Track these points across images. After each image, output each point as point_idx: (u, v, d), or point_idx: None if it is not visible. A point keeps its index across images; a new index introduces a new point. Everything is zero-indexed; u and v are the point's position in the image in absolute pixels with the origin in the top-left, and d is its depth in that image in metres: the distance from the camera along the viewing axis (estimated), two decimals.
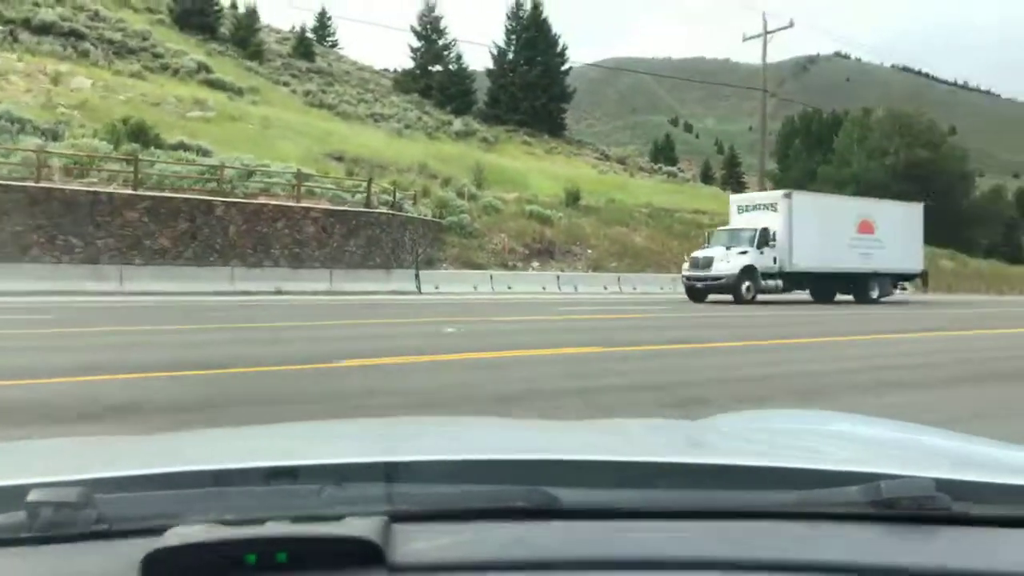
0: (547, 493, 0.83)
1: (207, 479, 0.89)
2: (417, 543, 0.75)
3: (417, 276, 22.79)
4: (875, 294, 23.87)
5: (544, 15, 51.54)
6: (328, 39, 67.65)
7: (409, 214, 25.51)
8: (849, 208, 24.53)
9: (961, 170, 65.77)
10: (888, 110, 67.87)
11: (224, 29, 49.98)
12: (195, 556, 0.69)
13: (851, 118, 72.11)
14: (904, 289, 25.06)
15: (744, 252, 21.20)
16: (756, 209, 23.10)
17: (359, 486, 0.85)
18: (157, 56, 38.97)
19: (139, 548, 0.70)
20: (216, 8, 50.03)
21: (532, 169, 39.86)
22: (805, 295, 23.88)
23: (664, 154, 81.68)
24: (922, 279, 26.41)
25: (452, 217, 27.52)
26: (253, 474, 0.92)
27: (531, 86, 49.47)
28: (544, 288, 24.52)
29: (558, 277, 25.77)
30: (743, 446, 1.34)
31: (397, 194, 25.93)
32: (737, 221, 23.45)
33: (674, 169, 58.96)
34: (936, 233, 56.06)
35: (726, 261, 21.04)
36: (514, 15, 52.40)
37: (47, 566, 0.74)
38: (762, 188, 36.64)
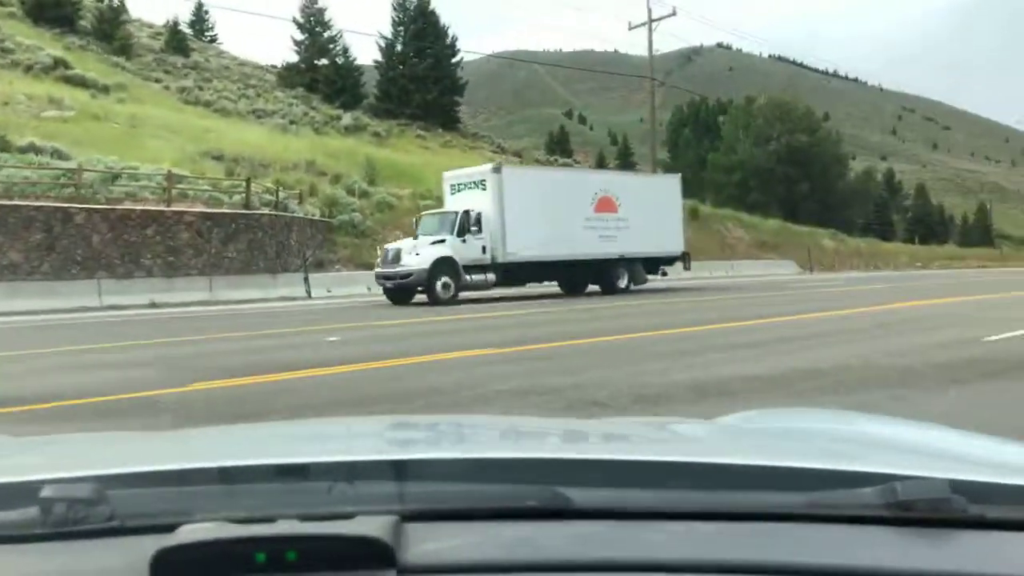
0: (559, 493, 0.82)
1: (218, 476, 0.90)
2: (428, 543, 0.75)
3: (306, 280, 21.59)
4: (624, 282, 20.67)
5: (431, 6, 50.53)
6: (206, 34, 64.16)
7: (295, 214, 24.21)
8: (581, 183, 21.10)
9: (836, 153, 69.44)
10: (769, 98, 70.81)
11: (85, 22, 46.37)
12: (205, 554, 0.70)
13: (735, 106, 74.86)
14: (664, 274, 22.61)
15: (440, 241, 17.67)
16: (467, 188, 19.31)
17: (370, 484, 0.85)
18: (6, 51, 35.60)
19: (150, 545, 0.70)
20: None
21: (427, 163, 38.91)
22: (555, 287, 20.91)
23: (560, 146, 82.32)
24: (684, 261, 23.29)
25: (342, 216, 26.34)
26: (263, 471, 0.93)
27: (422, 79, 48.43)
28: None
29: None
30: (756, 445, 1.32)
31: (281, 193, 24.54)
32: (449, 204, 19.70)
33: (570, 161, 59.32)
34: (818, 214, 59.39)
35: (415, 253, 17.39)
36: (400, 6, 51.10)
37: (60, 562, 0.75)
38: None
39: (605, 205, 20.49)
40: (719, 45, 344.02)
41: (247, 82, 50.60)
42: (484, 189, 18.58)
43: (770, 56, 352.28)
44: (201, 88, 44.30)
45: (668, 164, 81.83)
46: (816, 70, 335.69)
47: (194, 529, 0.73)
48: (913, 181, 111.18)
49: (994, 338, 8.11)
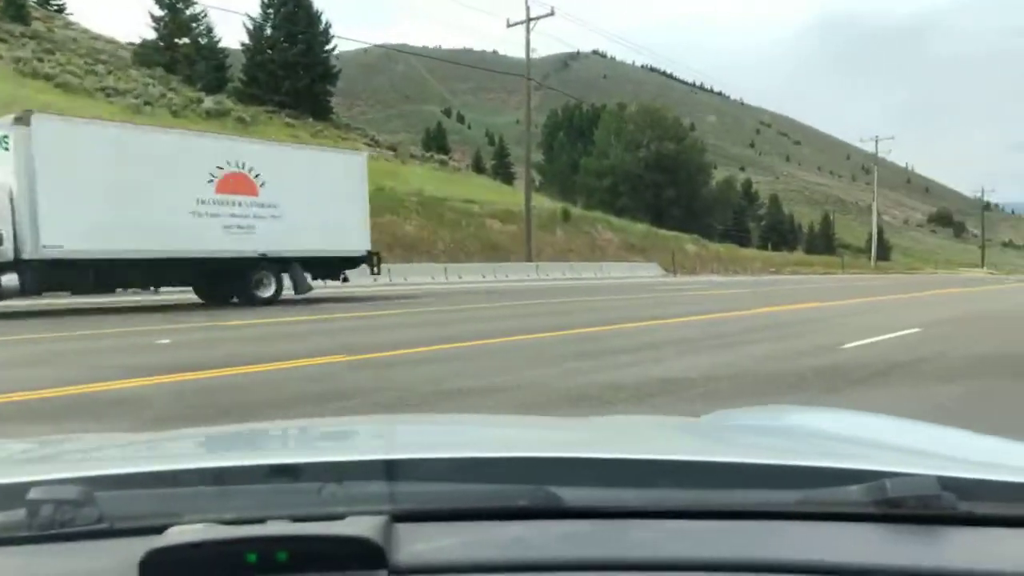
0: (550, 492, 0.83)
1: (208, 477, 0.90)
2: (418, 543, 0.75)
3: None
4: (270, 291, 15.80)
5: None
6: (53, 2, 58.55)
7: None
8: (190, 152, 15.01)
9: (700, 162, 72.96)
10: (641, 105, 73.35)
11: None
12: (195, 555, 0.70)
13: (608, 112, 76.94)
14: (346, 280, 18.10)
15: None
16: None
17: (360, 484, 0.85)
18: None
19: (139, 547, 0.70)
20: None
21: None
22: (188, 295, 16.39)
23: (436, 143, 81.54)
24: (370, 263, 18.35)
25: None
26: (254, 472, 0.93)
27: (292, 65, 46.23)
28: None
29: None
30: (745, 443, 1.32)
31: None
32: None
33: (446, 158, 58.73)
34: (683, 219, 62.12)
35: None
36: None
37: (47, 565, 0.75)
38: (529, 179, 37.43)
39: (236, 184, 15.19)
40: (595, 52, 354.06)
41: (97, 57, 46.50)
42: (6, 150, 12.72)
43: (642, 66, 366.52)
44: (41, 60, 40.20)
45: (543, 167, 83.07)
46: (684, 82, 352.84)
47: (183, 530, 0.73)
48: (768, 191, 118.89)
49: (851, 345, 8.34)
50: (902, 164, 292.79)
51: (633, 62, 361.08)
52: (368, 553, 0.70)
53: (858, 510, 0.82)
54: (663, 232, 46.91)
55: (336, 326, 11.11)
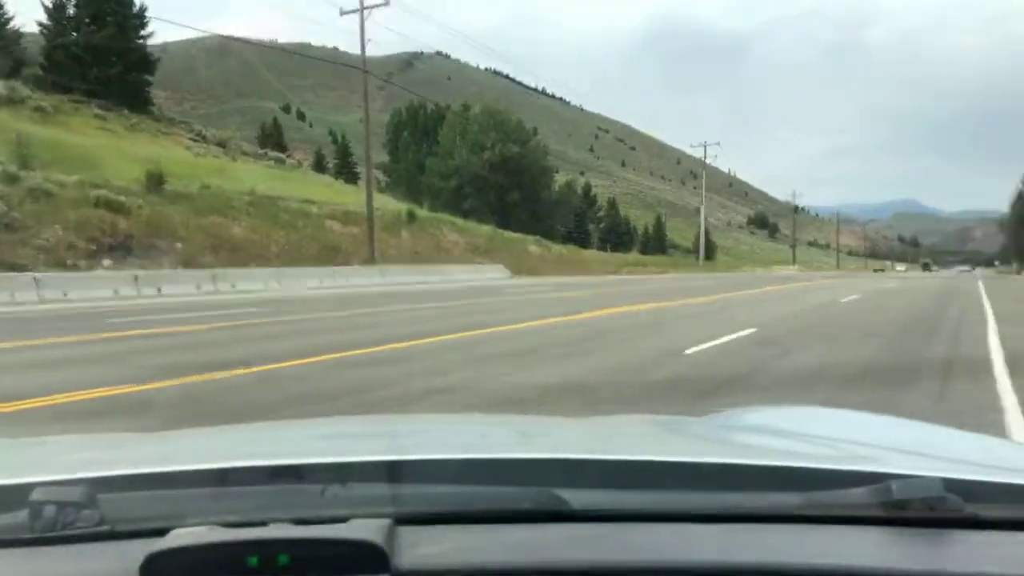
0: (555, 495, 0.83)
1: (210, 478, 0.90)
2: (422, 547, 0.75)
3: None
4: None
5: None
6: None
7: None
8: None
9: (543, 165, 74.28)
10: (485, 107, 73.39)
11: None
12: (196, 558, 0.70)
13: (452, 112, 76.51)
14: None
15: None
16: None
17: (363, 486, 0.85)
18: None
19: (140, 549, 0.70)
20: None
21: (107, 148, 33.60)
22: None
23: (273, 140, 77.48)
24: None
25: None
26: (256, 473, 0.93)
27: (101, 50, 41.56)
28: (117, 292, 20.11)
29: (136, 278, 21.42)
30: (751, 444, 1.32)
31: None
32: None
33: (282, 155, 55.60)
34: (527, 222, 62.83)
35: None
36: None
37: (49, 567, 0.75)
38: (370, 178, 36.04)
39: None
40: (438, 53, 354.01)
41: None
42: None
43: (486, 69, 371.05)
44: None
45: (389, 167, 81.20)
46: (527, 86, 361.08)
47: (185, 533, 0.72)
48: (606, 195, 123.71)
49: (693, 351, 8.11)
50: (725, 169, 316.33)
51: (478, 65, 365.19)
52: (371, 556, 0.69)
53: (863, 512, 0.81)
54: (508, 234, 47.04)
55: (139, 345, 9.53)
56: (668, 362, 7.38)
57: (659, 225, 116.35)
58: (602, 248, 79.18)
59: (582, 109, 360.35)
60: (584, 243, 76.04)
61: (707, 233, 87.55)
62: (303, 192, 38.49)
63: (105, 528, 0.77)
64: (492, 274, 35.83)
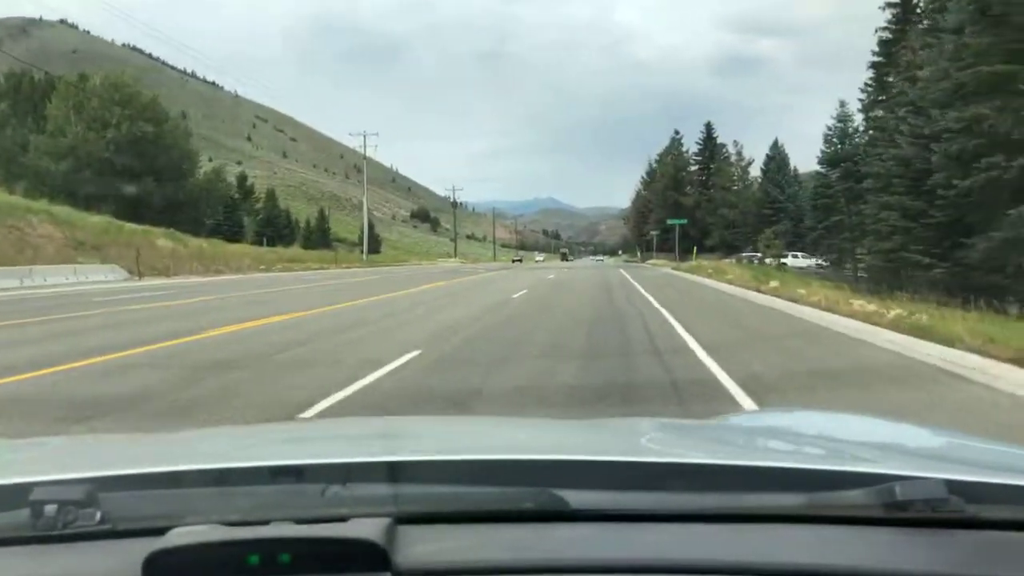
0: (555, 495, 0.83)
1: (211, 478, 0.89)
2: (422, 546, 0.75)
3: None
4: None
5: None
6: None
7: None
8: None
9: (186, 149, 66.15)
10: (106, 78, 62.69)
11: None
12: (197, 557, 0.69)
13: (66, 83, 64.26)
14: None
15: None
16: None
17: (364, 486, 0.85)
18: None
19: (142, 548, 0.69)
20: None
21: None
22: None
23: None
24: None
25: None
26: (257, 473, 0.92)
27: None
28: None
29: None
30: (752, 446, 1.31)
31: None
32: None
33: None
34: (165, 212, 54.90)
35: None
36: None
37: (50, 566, 0.75)
38: None
39: None
40: (62, 22, 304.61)
41: None
42: None
43: (124, 44, 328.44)
44: None
45: None
46: (175, 68, 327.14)
47: (186, 532, 0.72)
48: (265, 186, 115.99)
49: (348, 392, 5.69)
50: (388, 164, 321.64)
51: (113, 40, 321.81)
52: (371, 555, 0.69)
53: (866, 513, 0.81)
54: (130, 226, 39.82)
55: None
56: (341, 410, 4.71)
57: (323, 218, 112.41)
58: (258, 242, 73.15)
59: (237, 96, 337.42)
60: (236, 236, 69.41)
61: (371, 227, 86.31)
62: None
63: (106, 527, 0.77)
64: (102, 276, 29.32)
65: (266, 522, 0.74)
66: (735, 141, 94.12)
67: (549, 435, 1.41)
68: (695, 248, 66.25)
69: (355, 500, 0.80)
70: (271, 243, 73.89)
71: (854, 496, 0.82)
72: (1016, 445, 1.15)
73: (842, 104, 49.58)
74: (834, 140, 49.65)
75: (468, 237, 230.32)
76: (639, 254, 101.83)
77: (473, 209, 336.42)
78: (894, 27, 39.51)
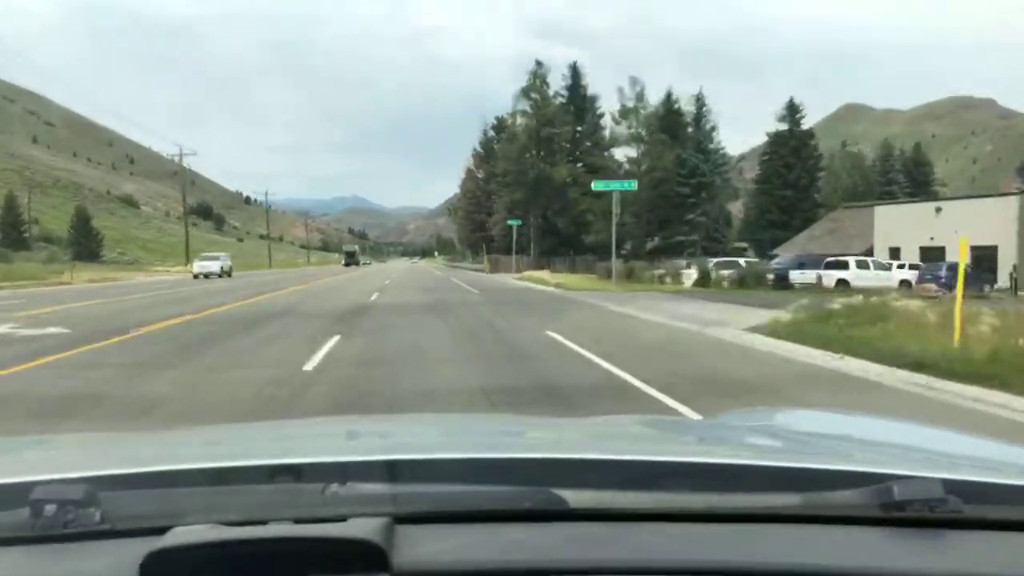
0: (554, 495, 0.82)
1: (211, 477, 0.89)
2: (421, 546, 0.74)
3: None
4: None
5: None
6: None
7: None
8: None
9: None
10: None
11: None
12: (196, 556, 0.69)
13: None
14: None
15: None
16: None
17: (363, 486, 0.85)
18: None
19: (141, 548, 0.69)
20: None
21: None
22: None
23: None
24: None
25: None
26: (256, 472, 0.92)
27: None
28: None
29: None
30: (750, 445, 1.30)
31: None
32: None
33: None
34: None
35: None
36: None
37: (49, 565, 0.75)
38: None
39: None
40: None
41: None
42: None
43: None
44: None
45: None
46: None
47: (185, 531, 0.72)
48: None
49: None
50: (168, 156, 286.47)
51: None
52: (370, 555, 0.69)
53: (864, 513, 0.81)
54: None
55: None
56: None
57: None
58: None
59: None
60: None
61: (87, 219, 67.56)
62: None
63: (106, 526, 0.76)
64: None
65: (265, 522, 0.73)
66: (621, 88, 56.37)
67: (547, 434, 1.40)
68: (575, 252, 51.25)
69: (354, 499, 0.79)
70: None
71: (851, 496, 0.81)
72: (1016, 444, 1.16)
73: None
74: None
75: (261, 237, 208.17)
76: (468, 257, 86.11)
77: (270, 207, 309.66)
78: None
